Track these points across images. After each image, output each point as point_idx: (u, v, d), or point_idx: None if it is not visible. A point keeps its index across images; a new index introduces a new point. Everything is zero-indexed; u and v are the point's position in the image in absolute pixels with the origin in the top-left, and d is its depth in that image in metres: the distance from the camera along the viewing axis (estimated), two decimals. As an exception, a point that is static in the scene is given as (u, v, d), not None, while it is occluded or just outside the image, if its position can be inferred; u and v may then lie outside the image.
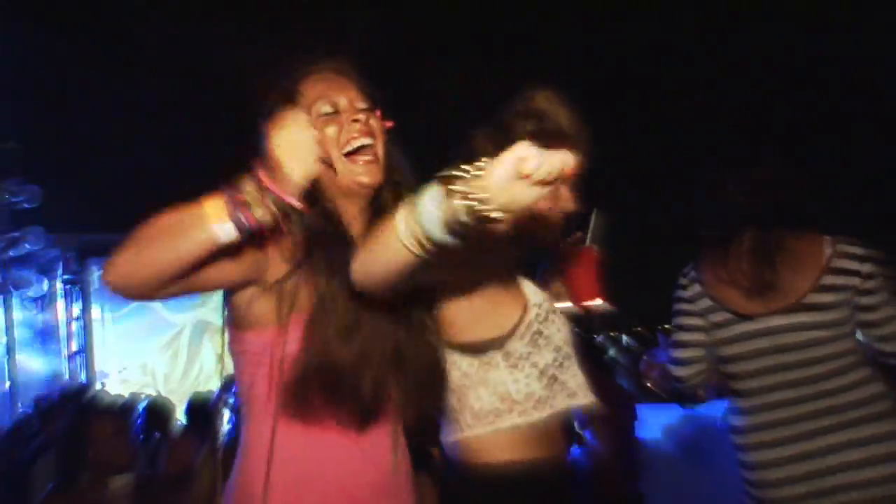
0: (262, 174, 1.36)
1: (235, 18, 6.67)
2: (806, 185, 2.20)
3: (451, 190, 1.16)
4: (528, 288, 1.72)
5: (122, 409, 4.44)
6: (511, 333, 1.64)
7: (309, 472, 1.53)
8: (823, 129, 6.74)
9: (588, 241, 1.91)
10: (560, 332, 1.72)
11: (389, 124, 1.73)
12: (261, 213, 1.34)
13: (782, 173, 2.20)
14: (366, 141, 1.62)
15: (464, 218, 1.15)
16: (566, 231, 1.81)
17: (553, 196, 1.71)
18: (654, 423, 4.04)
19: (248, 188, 1.35)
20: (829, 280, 2.09)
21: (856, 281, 2.08)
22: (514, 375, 1.64)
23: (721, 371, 2.25)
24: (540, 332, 1.67)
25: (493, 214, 1.13)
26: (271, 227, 1.39)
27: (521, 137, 1.65)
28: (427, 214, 1.19)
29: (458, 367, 1.66)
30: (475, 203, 1.13)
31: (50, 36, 6.75)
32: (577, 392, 1.71)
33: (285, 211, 1.39)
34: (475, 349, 1.64)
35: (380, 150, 1.65)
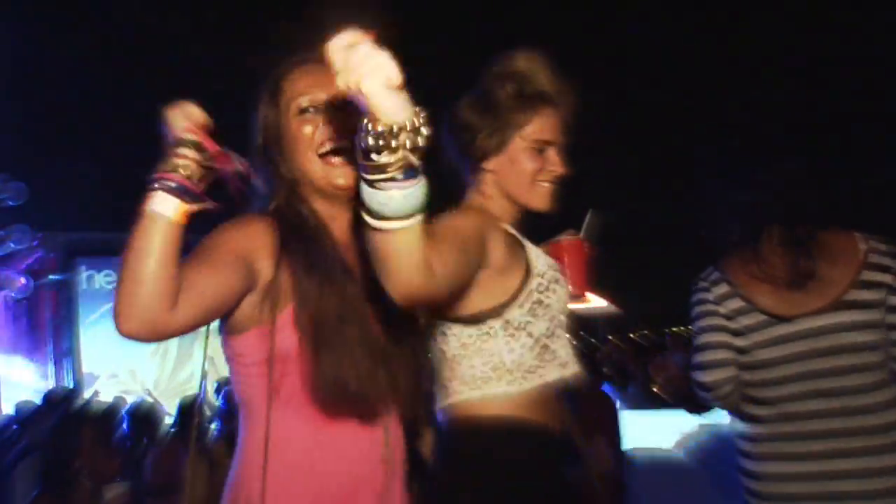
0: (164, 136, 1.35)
1: (229, 16, 6.59)
2: (818, 184, 2.10)
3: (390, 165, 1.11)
4: (533, 255, 1.71)
5: (109, 416, 4.32)
6: (511, 301, 1.64)
7: (304, 467, 1.53)
8: (828, 128, 6.71)
9: (581, 238, 1.88)
10: (559, 302, 1.72)
11: None
12: (182, 167, 1.31)
13: (796, 172, 2.10)
14: (340, 144, 1.58)
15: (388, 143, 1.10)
16: (558, 200, 1.78)
17: (542, 160, 1.72)
18: (659, 429, 3.96)
19: (162, 159, 1.33)
20: (868, 276, 1.97)
21: (889, 278, 1.96)
22: (509, 345, 1.64)
23: (743, 379, 2.07)
24: (540, 302, 1.67)
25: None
26: (201, 173, 1.34)
27: (504, 102, 1.71)
28: (400, 203, 1.15)
29: (458, 337, 1.67)
30: (415, 144, 1.10)
31: (38, 32, 6.67)
32: (567, 361, 1.71)
33: (199, 148, 1.34)
34: (476, 320, 1.64)
35: None
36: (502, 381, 1.64)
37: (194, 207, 1.32)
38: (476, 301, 1.63)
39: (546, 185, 1.73)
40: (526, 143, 1.72)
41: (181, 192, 1.30)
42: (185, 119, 1.36)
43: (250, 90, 1.70)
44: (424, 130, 1.11)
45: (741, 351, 2.07)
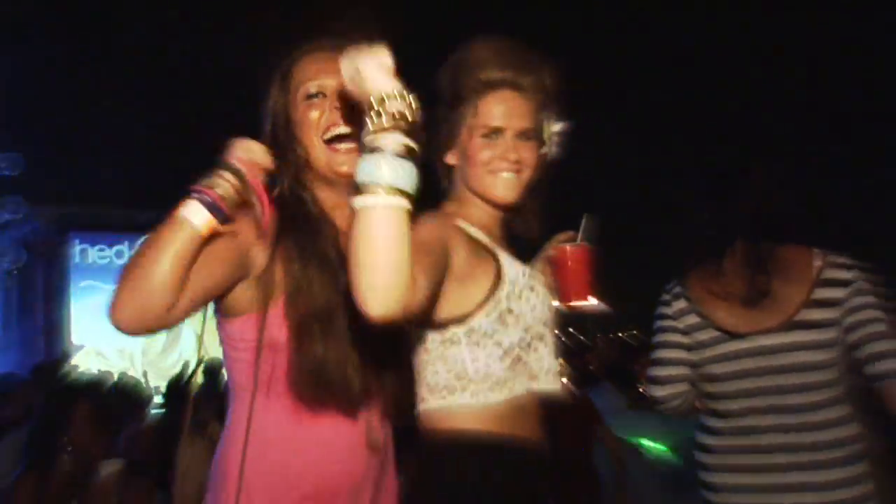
0: (227, 172, 1.44)
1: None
2: (798, 193, 2.13)
3: (380, 135, 1.22)
4: (505, 261, 1.63)
5: (100, 390, 4.31)
6: (475, 310, 1.56)
7: (286, 456, 1.54)
8: (823, 134, 6.73)
9: (585, 244, 1.84)
10: (534, 311, 1.63)
11: None
12: (221, 187, 1.40)
13: (772, 182, 2.12)
14: (345, 130, 1.59)
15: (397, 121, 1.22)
16: (523, 188, 1.70)
17: (494, 147, 1.66)
18: (644, 428, 3.99)
19: (206, 175, 1.42)
20: (821, 294, 2.00)
21: (844, 293, 1.99)
22: (473, 354, 1.56)
23: (701, 390, 2.15)
24: (510, 310, 1.58)
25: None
26: (236, 200, 1.43)
27: (446, 93, 1.69)
28: (391, 171, 1.21)
29: (421, 341, 1.60)
30: (403, 114, 1.22)
31: (37, 7, 6.61)
32: (538, 376, 1.62)
33: (242, 178, 1.44)
34: (439, 325, 1.57)
35: None
36: (466, 392, 1.56)
37: (220, 227, 1.39)
38: (438, 310, 1.56)
39: (504, 174, 1.66)
40: (474, 131, 1.66)
41: (213, 209, 1.37)
42: (244, 152, 1.48)
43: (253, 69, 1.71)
44: (411, 102, 1.23)
45: (695, 365, 2.13)
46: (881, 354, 1.93)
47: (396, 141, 1.22)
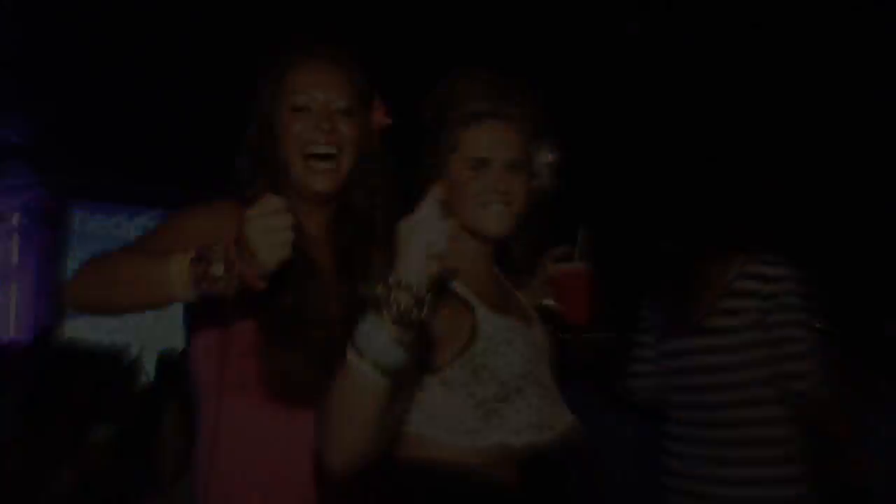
0: (233, 253, 1.25)
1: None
2: (764, 200, 2.29)
3: (383, 313, 1.20)
4: (484, 317, 1.57)
5: (97, 356, 4.39)
6: (451, 362, 1.51)
7: (255, 453, 1.53)
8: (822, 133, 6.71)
9: (576, 259, 1.85)
10: (511, 367, 1.55)
11: (386, 122, 1.70)
12: (223, 287, 1.27)
13: (745, 199, 2.27)
14: (325, 150, 1.58)
15: (406, 332, 1.21)
16: (514, 221, 1.65)
17: (483, 178, 1.60)
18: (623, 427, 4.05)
19: (217, 263, 1.25)
20: (729, 303, 2.15)
21: (757, 303, 2.10)
22: (447, 401, 1.51)
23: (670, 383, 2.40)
24: (484, 366, 1.52)
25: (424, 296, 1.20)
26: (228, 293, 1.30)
27: (431, 127, 1.65)
28: (378, 348, 1.21)
29: None
30: (410, 311, 1.19)
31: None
32: (520, 430, 1.53)
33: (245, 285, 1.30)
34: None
35: (345, 160, 1.61)
36: (439, 429, 1.51)
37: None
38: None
39: (494, 205, 1.60)
40: (461, 163, 1.61)
41: (201, 293, 1.29)
42: (276, 265, 1.27)
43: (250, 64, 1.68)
44: (422, 307, 1.21)
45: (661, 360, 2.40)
46: (794, 374, 2.07)
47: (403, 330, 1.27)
